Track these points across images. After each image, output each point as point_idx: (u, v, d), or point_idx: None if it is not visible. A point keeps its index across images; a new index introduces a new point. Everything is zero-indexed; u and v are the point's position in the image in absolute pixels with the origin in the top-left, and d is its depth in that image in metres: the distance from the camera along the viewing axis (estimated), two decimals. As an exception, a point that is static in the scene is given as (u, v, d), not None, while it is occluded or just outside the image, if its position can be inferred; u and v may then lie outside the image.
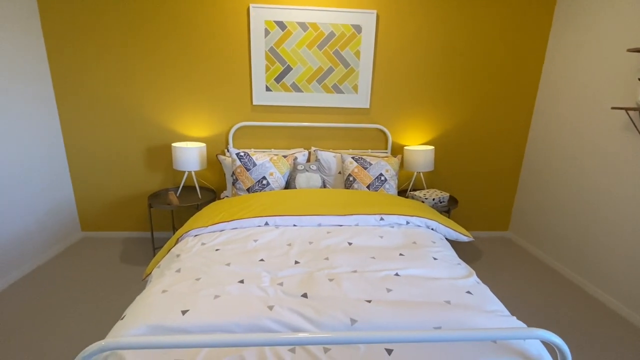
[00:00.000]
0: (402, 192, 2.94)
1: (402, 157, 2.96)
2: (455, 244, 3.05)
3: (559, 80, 2.68)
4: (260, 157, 2.42)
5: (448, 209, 2.62)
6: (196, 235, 1.77)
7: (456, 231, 1.99)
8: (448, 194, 2.68)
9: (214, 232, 1.79)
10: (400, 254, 1.60)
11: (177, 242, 1.79)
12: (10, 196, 2.24)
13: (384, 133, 2.92)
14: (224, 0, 2.53)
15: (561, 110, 2.65)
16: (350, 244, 1.70)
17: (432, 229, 1.98)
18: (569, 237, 2.55)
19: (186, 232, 1.79)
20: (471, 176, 3.10)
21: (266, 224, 1.84)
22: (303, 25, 2.63)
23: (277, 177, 2.40)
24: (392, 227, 1.92)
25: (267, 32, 2.62)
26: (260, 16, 2.59)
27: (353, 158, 2.57)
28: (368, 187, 2.48)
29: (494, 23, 2.72)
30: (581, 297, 2.29)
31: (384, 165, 2.55)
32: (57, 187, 2.69)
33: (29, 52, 2.39)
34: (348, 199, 2.09)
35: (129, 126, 2.73)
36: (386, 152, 2.93)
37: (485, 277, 2.53)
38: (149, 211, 2.48)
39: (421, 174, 2.95)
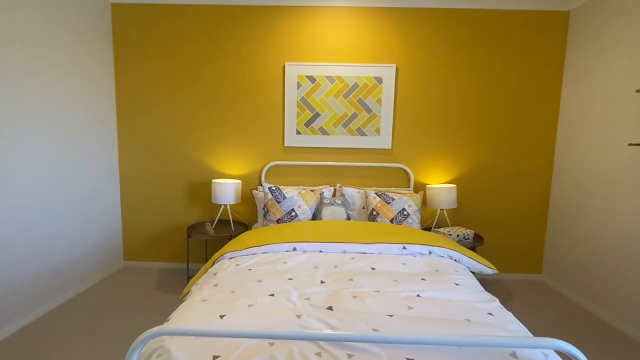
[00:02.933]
0: (426, 229, 2.98)
1: (425, 195, 3.06)
2: (485, 283, 2.96)
3: (576, 120, 2.78)
4: (290, 191, 2.64)
5: (473, 245, 2.63)
6: (231, 258, 1.94)
7: (480, 263, 2.01)
8: (473, 232, 2.70)
9: (247, 255, 1.95)
10: (422, 279, 1.66)
11: (213, 263, 1.96)
12: (64, 225, 2.56)
13: (406, 172, 3.08)
14: (264, 59, 2.99)
15: (581, 149, 2.71)
16: (373, 269, 1.78)
17: (455, 260, 2.01)
18: (604, 279, 2.43)
19: (222, 255, 1.96)
20: (497, 215, 3.10)
21: (294, 249, 1.98)
22: (330, 79, 3.00)
23: (304, 210, 2.58)
24: (415, 256, 1.98)
25: (299, 85, 3.01)
26: (293, 72, 3.00)
27: (376, 193, 2.72)
28: (391, 221, 2.58)
29: (509, 69, 2.96)
30: (621, 341, 2.12)
31: (407, 201, 2.66)
32: (108, 218, 3.02)
33: (102, 100, 2.90)
34: (371, 230, 2.20)
35: (175, 164, 3.10)
36: (409, 190, 3.06)
37: (520, 312, 2.42)
38: (187, 241, 2.71)
39: (445, 211, 3.01)
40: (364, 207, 2.81)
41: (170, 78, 3.02)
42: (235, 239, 2.19)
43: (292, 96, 3.02)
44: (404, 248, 1.99)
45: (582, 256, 2.67)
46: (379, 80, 3.00)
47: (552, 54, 2.94)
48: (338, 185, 2.97)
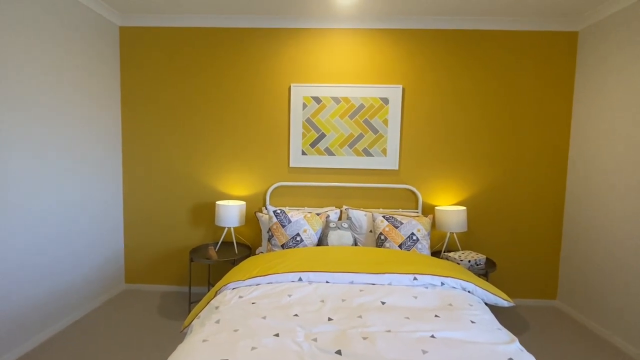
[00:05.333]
0: (435, 253, 2.89)
1: (434, 217, 2.97)
2: (499, 311, 2.84)
3: (588, 142, 2.70)
4: (295, 215, 2.57)
5: (486, 272, 2.52)
6: (234, 289, 1.86)
7: (495, 295, 1.91)
8: (484, 256, 2.60)
9: (250, 285, 1.87)
10: (436, 315, 1.57)
11: (215, 294, 1.88)
12: (65, 247, 2.50)
13: (414, 193, 3.01)
14: (270, 81, 2.98)
15: (594, 171, 2.62)
16: (383, 303, 1.69)
17: (468, 292, 1.91)
18: (621, 306, 2.31)
19: (224, 285, 1.89)
20: (509, 239, 3.00)
21: (300, 279, 1.90)
22: (336, 99, 2.97)
23: (310, 234, 2.51)
24: (426, 287, 1.89)
25: (304, 106, 2.99)
26: (299, 93, 2.98)
27: (384, 217, 2.65)
28: (400, 246, 2.50)
29: (517, 90, 2.91)
30: (655, 381, 1.99)
31: (416, 225, 2.58)
32: (111, 241, 2.97)
33: (107, 121, 2.90)
34: (380, 258, 2.12)
35: (179, 185, 3.06)
36: (417, 212, 2.98)
37: (532, 349, 2.29)
38: (190, 265, 2.64)
39: (455, 235, 2.92)
40: (371, 231, 2.73)
41: (176, 100, 3.02)
42: (239, 266, 2.11)
43: (297, 117, 3.00)
44: (415, 279, 1.91)
45: (598, 281, 2.55)
46: (385, 100, 2.97)
47: (562, 75, 2.89)
48: (344, 207, 2.90)
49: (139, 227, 3.11)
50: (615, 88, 2.47)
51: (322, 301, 1.69)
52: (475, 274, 2.51)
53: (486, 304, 2.01)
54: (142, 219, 3.10)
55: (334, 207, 2.94)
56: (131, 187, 3.08)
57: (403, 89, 2.97)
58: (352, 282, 1.91)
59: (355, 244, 2.62)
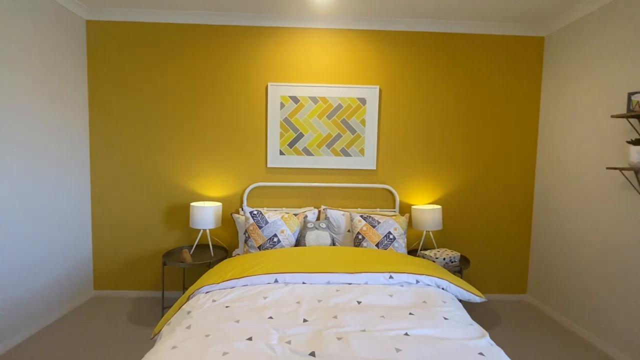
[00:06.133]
0: (412, 252, 2.94)
1: (410, 216, 3.02)
2: (472, 307, 2.92)
3: (554, 143, 2.83)
4: (272, 216, 2.54)
5: (460, 269, 2.59)
6: (207, 292, 1.81)
7: (468, 291, 1.96)
8: (459, 254, 2.67)
9: (224, 288, 1.82)
10: (410, 313, 1.59)
11: (188, 299, 1.82)
12: (29, 251, 2.36)
13: (391, 192, 3.04)
14: (246, 80, 2.93)
15: (561, 171, 2.75)
16: (359, 302, 1.69)
17: (442, 289, 1.95)
18: (586, 298, 2.43)
19: (198, 289, 1.83)
20: (482, 236, 3.10)
21: (276, 281, 1.87)
22: (314, 99, 2.96)
23: (287, 235, 2.48)
24: (402, 285, 1.91)
25: (282, 105, 2.96)
26: (276, 92, 2.95)
27: (361, 216, 2.66)
28: (377, 245, 2.52)
29: (489, 91, 3.01)
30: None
31: (392, 224, 2.61)
32: (78, 245, 2.82)
33: (74, 119, 2.75)
34: (357, 257, 2.12)
35: (151, 187, 2.95)
36: (394, 211, 3.02)
37: (503, 342, 2.37)
38: (162, 269, 2.54)
39: (431, 233, 2.98)
40: (349, 231, 2.73)
41: (148, 98, 2.91)
42: (213, 269, 2.06)
43: (275, 116, 2.96)
44: (391, 277, 1.92)
45: (564, 276, 2.68)
46: (363, 101, 2.99)
47: (530, 78, 3.02)
48: (323, 207, 2.89)
49: (109, 230, 2.97)
50: (578, 93, 2.60)
51: (298, 302, 1.67)
52: (450, 271, 2.58)
53: (460, 300, 2.05)
54: (112, 222, 2.97)
55: (312, 208, 2.93)
56: (100, 189, 2.94)
57: (380, 90, 3.00)
58: (328, 283, 1.90)
59: (333, 244, 2.62)
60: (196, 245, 2.92)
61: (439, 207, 2.84)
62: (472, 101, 3.01)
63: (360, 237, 2.57)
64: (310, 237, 2.49)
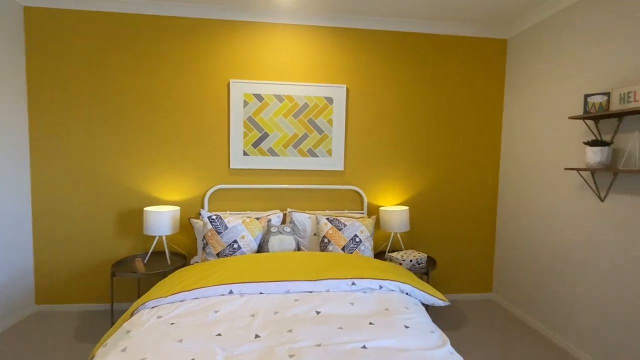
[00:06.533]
0: (380, 254, 2.90)
1: (378, 218, 2.98)
2: (439, 308, 2.91)
3: (517, 144, 2.88)
4: (233, 220, 2.39)
5: (427, 271, 2.56)
6: (153, 307, 1.65)
7: (432, 295, 1.92)
8: (426, 255, 2.65)
9: (173, 302, 1.67)
10: (370, 323, 1.51)
11: (132, 315, 1.65)
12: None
13: (359, 194, 2.98)
14: (206, 76, 2.76)
15: (522, 172, 2.80)
16: (318, 312, 1.60)
17: (406, 293, 1.90)
18: (547, 298, 2.48)
19: (143, 303, 1.67)
20: (449, 237, 3.10)
21: (230, 292, 1.74)
22: (279, 97, 2.84)
23: (249, 240, 2.35)
24: (365, 292, 1.84)
25: (245, 103, 2.82)
26: (239, 90, 2.80)
27: (328, 219, 2.57)
28: (343, 248, 2.44)
29: (455, 92, 3.01)
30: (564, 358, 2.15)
31: (359, 227, 2.54)
32: (17, 255, 2.54)
33: (11, 118, 2.47)
34: (320, 263, 2.03)
35: (101, 191, 2.71)
36: (362, 213, 2.96)
37: (469, 342, 2.37)
38: (111, 280, 2.33)
39: (398, 234, 2.94)
40: (315, 234, 2.64)
41: (97, 94, 2.67)
42: (163, 280, 1.90)
43: (238, 115, 2.82)
44: (353, 284, 1.85)
45: (525, 274, 2.73)
46: (330, 100, 2.90)
47: (494, 80, 3.06)
48: (289, 210, 2.78)
49: (53, 239, 2.70)
50: (538, 95, 2.65)
51: (252, 315, 1.55)
52: (416, 273, 2.55)
53: (425, 304, 2.01)
54: (57, 231, 2.70)
55: (278, 210, 2.81)
56: (42, 194, 2.67)
57: (347, 89, 2.93)
58: (288, 292, 1.79)
59: (298, 248, 2.51)
60: (152, 253, 2.72)
61: (406, 208, 2.81)
62: (439, 102, 3.01)
63: (326, 240, 2.48)
64: (274, 242, 2.38)
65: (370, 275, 1.89)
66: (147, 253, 2.70)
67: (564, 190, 2.39)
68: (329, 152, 2.94)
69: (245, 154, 2.84)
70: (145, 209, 2.50)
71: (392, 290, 1.89)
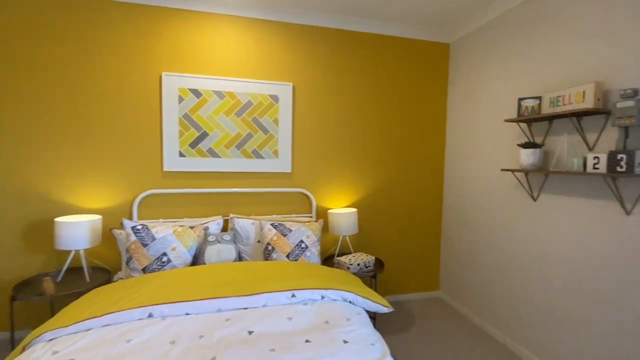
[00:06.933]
0: (329, 258, 2.81)
1: (327, 221, 2.89)
2: (389, 302, 2.90)
3: (459, 145, 2.96)
4: (162, 230, 2.14)
5: (374, 274, 2.52)
6: (51, 340, 1.38)
7: (376, 302, 1.85)
8: (374, 257, 2.60)
9: (77, 332, 1.41)
10: (307, 340, 1.39)
11: (23, 350, 1.37)
12: None
13: (308, 197, 2.87)
14: (133, 67, 2.45)
15: (464, 173, 2.88)
16: (250, 332, 1.44)
17: (350, 302, 1.81)
18: (488, 294, 2.57)
19: (38, 336, 1.39)
20: (397, 237, 3.11)
21: (150, 315, 1.52)
22: (219, 94, 2.62)
23: (180, 252, 2.11)
24: (305, 304, 1.71)
25: (180, 99, 2.56)
26: (173, 83, 2.53)
27: (272, 225, 2.42)
28: (288, 256, 2.30)
29: (402, 93, 3.01)
30: (505, 355, 2.22)
31: (305, 232, 2.42)
32: None
33: None
34: (259, 274, 1.87)
35: (3, 201, 2.29)
36: (311, 216, 2.85)
37: (416, 343, 2.37)
38: (11, 305, 1.96)
39: (347, 237, 2.88)
40: (259, 241, 2.47)
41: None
42: (71, 305, 1.61)
43: (172, 112, 2.55)
44: (294, 296, 1.71)
45: (468, 272, 2.80)
46: (275, 98, 2.75)
47: (438, 83, 3.11)
48: (231, 215, 2.58)
49: (-63, 258, 2.23)
50: (477, 98, 2.72)
51: (173, 342, 1.35)
52: (364, 276, 2.49)
53: (368, 312, 1.94)
54: (-58, 247, 2.23)
55: (218, 217, 2.59)
56: None
57: (293, 87, 2.79)
58: (219, 310, 1.61)
59: (240, 258, 2.33)
60: (68, 270, 2.35)
61: (355, 210, 2.75)
62: (386, 103, 2.99)
63: (270, 248, 2.32)
64: (211, 252, 2.17)
65: (312, 285, 1.77)
66: (62, 270, 2.33)
67: (501, 190, 2.47)
68: (275, 154, 2.78)
69: (181, 155, 2.59)
70: (57, 219, 2.15)
71: (335, 299, 1.79)
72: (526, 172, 2.12)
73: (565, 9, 1.98)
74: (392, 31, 2.92)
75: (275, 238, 2.34)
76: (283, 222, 2.47)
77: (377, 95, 2.96)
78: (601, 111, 1.70)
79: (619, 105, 1.56)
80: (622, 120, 1.54)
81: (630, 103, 1.50)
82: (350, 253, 2.88)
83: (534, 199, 2.18)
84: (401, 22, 2.87)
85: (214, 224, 2.42)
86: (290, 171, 2.81)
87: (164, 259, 2.05)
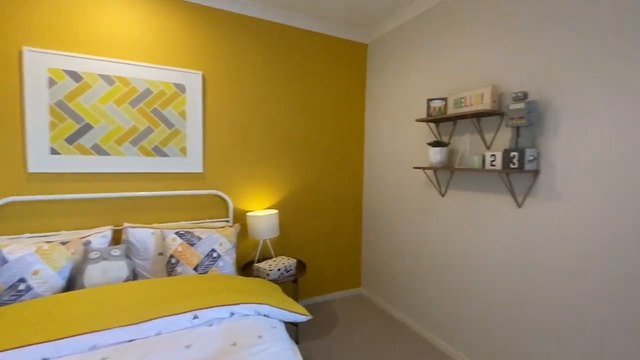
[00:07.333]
0: (249, 265, 2.59)
1: (246, 225, 2.66)
2: (311, 312, 2.81)
3: (376, 143, 3.02)
4: (18, 249, 1.65)
5: (295, 278, 2.38)
6: None
7: (293, 312, 1.71)
8: (295, 260, 2.47)
9: None
10: (207, 372, 1.17)
11: None
12: None
13: (224, 199, 2.59)
14: (-26, 36, 1.86)
15: (381, 171, 2.94)
16: (133, 372, 1.16)
17: (264, 315, 1.64)
18: (405, 288, 2.67)
19: None
20: (320, 237, 3.04)
21: (-19, 370, 1.12)
22: (107, 79, 2.18)
23: (46, 276, 1.66)
24: (210, 325, 1.48)
25: (52, 82, 2.04)
26: (40, 62, 2.01)
27: (177, 233, 2.10)
28: (196, 268, 2.01)
29: (323, 90, 2.94)
30: (421, 345, 2.31)
31: (217, 239, 2.16)
32: None
33: None
34: (154, 295, 1.57)
35: None
36: (227, 220, 2.58)
37: (339, 341, 2.33)
38: None
39: (268, 241, 2.69)
40: (161, 254, 2.12)
41: None
42: None
43: (39, 98, 2.02)
44: (196, 317, 1.47)
45: (386, 267, 2.88)
46: (181, 88, 2.40)
47: (359, 82, 3.13)
48: (125, 225, 2.16)
49: None
50: (391, 96, 2.80)
51: (12, 405, 1.00)
52: (285, 282, 2.34)
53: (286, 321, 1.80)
54: None
55: (109, 227, 2.15)
56: None
57: (204, 77, 2.48)
58: (93, 348, 1.27)
59: (134, 276, 1.95)
60: None
61: (276, 211, 2.58)
62: (308, 101, 2.89)
63: (173, 261, 2.00)
64: (93, 272, 1.76)
65: (219, 302, 1.54)
66: None
67: (414, 187, 2.57)
68: (183, 151, 2.44)
69: (54, 152, 2.07)
70: None
71: (247, 315, 1.59)
72: (435, 169, 2.23)
73: (469, 17, 2.11)
74: (314, 26, 2.82)
75: (180, 249, 2.03)
76: (191, 230, 2.17)
77: (298, 92, 2.84)
78: (497, 112, 1.84)
79: (511, 107, 1.69)
80: (514, 121, 1.68)
81: (521, 105, 1.64)
82: (271, 257, 2.71)
83: (442, 195, 2.30)
84: (323, 19, 2.79)
85: (99, 236, 1.99)
86: (201, 171, 2.50)
87: (21, 286, 1.58)
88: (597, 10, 1.47)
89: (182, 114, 2.42)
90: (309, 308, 2.92)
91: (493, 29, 1.94)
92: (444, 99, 2.17)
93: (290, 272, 2.41)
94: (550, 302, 1.66)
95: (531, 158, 1.66)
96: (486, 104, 1.85)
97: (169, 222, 2.40)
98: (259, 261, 2.62)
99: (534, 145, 1.71)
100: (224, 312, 1.53)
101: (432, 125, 2.38)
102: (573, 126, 1.56)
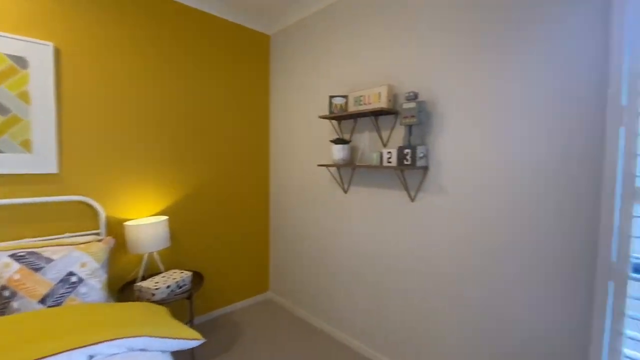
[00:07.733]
0: (129, 285, 2.13)
1: (124, 237, 2.19)
2: (214, 324, 2.51)
3: (281, 141, 2.89)
4: None
5: (190, 293, 2.06)
6: None
7: (179, 338, 1.43)
8: (190, 273, 2.14)
9: None
10: None
11: None
12: None
13: (92, 207, 2.07)
14: None
15: (287, 169, 2.83)
16: None
17: (140, 350, 1.31)
18: (307, 285, 2.62)
19: None
20: (222, 244, 2.75)
21: None
22: None
23: None
24: (55, 379, 1.10)
25: None
26: None
27: (13, 256, 1.56)
28: (44, 300, 1.52)
29: (223, 80, 2.65)
30: (328, 342, 2.29)
31: (78, 258, 1.69)
32: None
33: None
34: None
35: None
36: (98, 233, 2.08)
37: (245, 350, 2.11)
38: None
39: (155, 254, 2.27)
40: (-16, 286, 1.54)
41: None
42: None
43: None
44: (29, 373, 1.06)
45: (292, 267, 2.79)
46: (22, 62, 1.82)
47: (262, 76, 2.94)
48: None
49: None
50: (294, 92, 2.71)
51: None
52: (177, 300, 2.00)
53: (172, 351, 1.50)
54: None
55: None
56: None
57: (57, 50, 1.93)
58: None
59: None
60: None
61: (165, 218, 2.20)
62: (203, 88, 2.56)
63: (7, 294, 1.47)
64: None
65: (69, 346, 1.16)
66: None
67: (318, 184, 2.53)
68: (26, 145, 1.85)
69: None
70: None
71: (115, 354, 1.25)
72: (338, 166, 2.21)
73: (367, 14, 2.15)
74: (211, 8, 2.51)
75: (17, 277, 1.50)
76: (37, 250, 1.64)
77: (192, 80, 2.48)
78: (392, 111, 1.91)
79: (404, 106, 1.76)
80: (406, 120, 1.75)
81: (412, 104, 1.72)
82: (159, 273, 2.30)
83: (345, 191, 2.31)
84: (226, 4, 2.49)
85: None
86: (56, 172, 1.94)
87: None
88: (474, 18, 1.63)
89: (23, 96, 1.83)
90: (210, 324, 2.60)
91: (389, 27, 2.01)
92: (345, 97, 2.16)
93: (184, 287, 2.08)
94: (438, 278, 1.79)
95: (422, 155, 1.76)
96: (383, 103, 1.89)
97: (4, 241, 1.78)
98: (143, 279, 2.19)
99: (424, 143, 1.82)
100: (77, 356, 1.15)
101: (334, 122, 2.36)
102: (452, 126, 1.70)
